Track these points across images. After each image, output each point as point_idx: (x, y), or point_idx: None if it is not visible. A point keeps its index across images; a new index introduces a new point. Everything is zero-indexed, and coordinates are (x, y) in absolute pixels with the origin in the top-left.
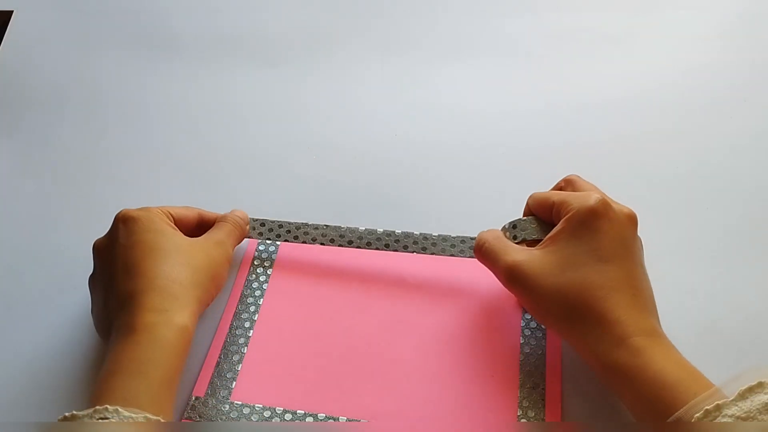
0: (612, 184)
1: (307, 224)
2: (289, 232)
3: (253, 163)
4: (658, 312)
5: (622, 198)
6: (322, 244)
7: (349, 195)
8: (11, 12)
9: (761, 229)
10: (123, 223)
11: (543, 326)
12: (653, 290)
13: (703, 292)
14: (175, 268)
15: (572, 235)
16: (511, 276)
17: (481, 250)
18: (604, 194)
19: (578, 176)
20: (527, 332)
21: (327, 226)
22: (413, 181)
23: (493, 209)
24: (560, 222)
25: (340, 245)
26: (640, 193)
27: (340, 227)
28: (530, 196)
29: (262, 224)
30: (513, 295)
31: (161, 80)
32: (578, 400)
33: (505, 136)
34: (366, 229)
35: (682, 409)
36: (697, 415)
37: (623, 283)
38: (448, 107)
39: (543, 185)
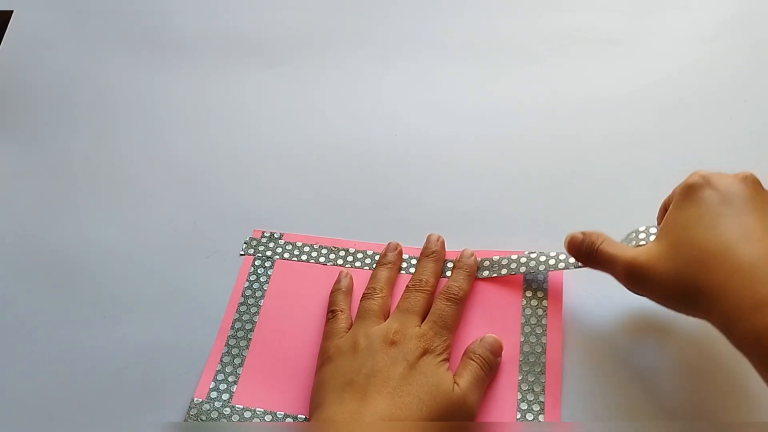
0: (611, 183)
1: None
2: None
3: (253, 163)
4: None
5: (621, 197)
6: (324, 264)
7: (349, 195)
8: (11, 12)
9: None
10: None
11: (544, 323)
12: None
13: None
14: None
15: (677, 216)
16: (630, 274)
17: (594, 255)
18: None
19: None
20: (527, 329)
21: (332, 248)
22: (413, 181)
23: (493, 209)
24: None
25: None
26: (640, 192)
27: (342, 250)
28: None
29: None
30: (513, 294)
31: (161, 80)
32: (578, 400)
33: (505, 136)
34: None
35: None
36: None
37: (739, 240)
38: (448, 107)
39: (543, 184)
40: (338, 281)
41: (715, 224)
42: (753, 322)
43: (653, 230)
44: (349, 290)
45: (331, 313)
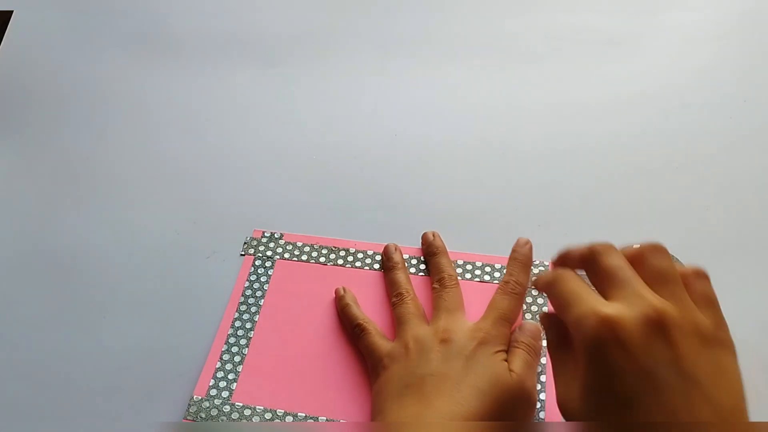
0: (611, 184)
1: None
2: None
3: (253, 164)
4: None
5: (621, 198)
6: (324, 264)
7: (349, 195)
8: (11, 12)
9: (762, 229)
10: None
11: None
12: None
13: None
14: None
15: None
16: None
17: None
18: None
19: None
20: None
21: (334, 248)
22: (413, 181)
23: (492, 209)
24: None
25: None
26: (640, 193)
27: (343, 250)
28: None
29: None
30: None
31: (161, 80)
32: None
33: (505, 136)
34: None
35: None
36: None
37: None
38: (448, 107)
39: (543, 185)
40: (342, 297)
41: None
42: None
43: None
44: (356, 300)
45: (358, 327)
